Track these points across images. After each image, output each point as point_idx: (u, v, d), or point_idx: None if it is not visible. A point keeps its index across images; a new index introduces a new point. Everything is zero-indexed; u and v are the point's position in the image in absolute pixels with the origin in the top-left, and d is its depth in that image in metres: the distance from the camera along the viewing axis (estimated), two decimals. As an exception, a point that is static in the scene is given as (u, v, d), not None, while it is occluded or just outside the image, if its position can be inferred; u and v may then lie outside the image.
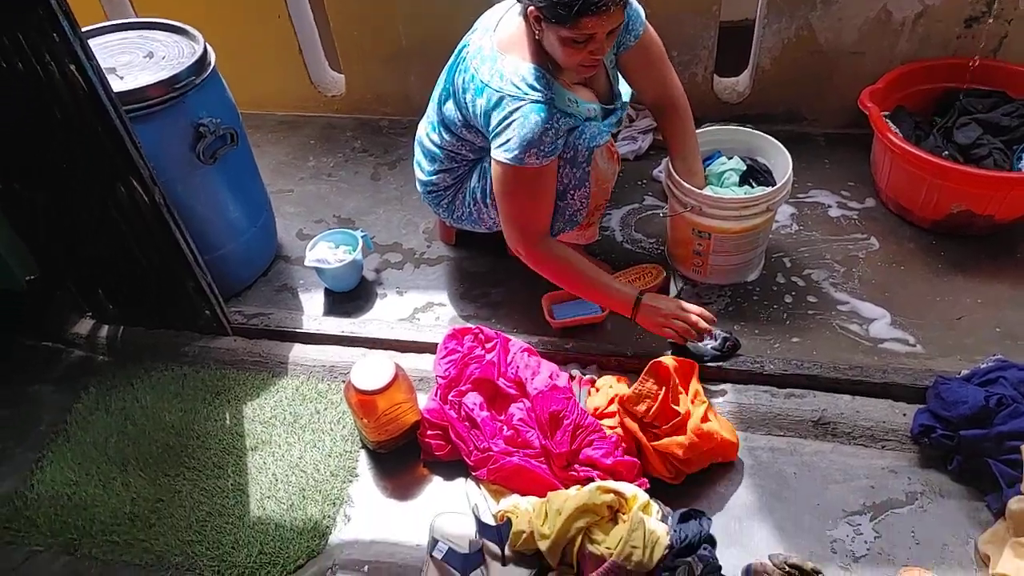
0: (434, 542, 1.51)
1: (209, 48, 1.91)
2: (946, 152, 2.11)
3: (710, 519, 1.54)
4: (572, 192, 1.77)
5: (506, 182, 1.66)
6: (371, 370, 1.65)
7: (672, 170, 1.93)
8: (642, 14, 1.76)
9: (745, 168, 1.98)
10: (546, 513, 1.49)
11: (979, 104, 2.19)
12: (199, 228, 1.93)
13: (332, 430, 1.81)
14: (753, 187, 1.95)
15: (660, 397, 1.63)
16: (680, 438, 1.60)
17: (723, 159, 2.01)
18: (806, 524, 1.56)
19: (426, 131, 1.95)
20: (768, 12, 2.30)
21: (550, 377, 1.74)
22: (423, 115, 2.00)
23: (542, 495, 1.56)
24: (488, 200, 1.87)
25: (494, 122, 1.62)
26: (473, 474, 1.68)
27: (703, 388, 1.75)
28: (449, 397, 1.76)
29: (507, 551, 1.50)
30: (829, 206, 2.27)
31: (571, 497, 1.50)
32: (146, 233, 1.82)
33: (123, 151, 1.66)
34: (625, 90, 1.88)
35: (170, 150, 1.83)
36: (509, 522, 1.51)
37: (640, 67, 1.83)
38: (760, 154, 2.02)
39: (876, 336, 1.89)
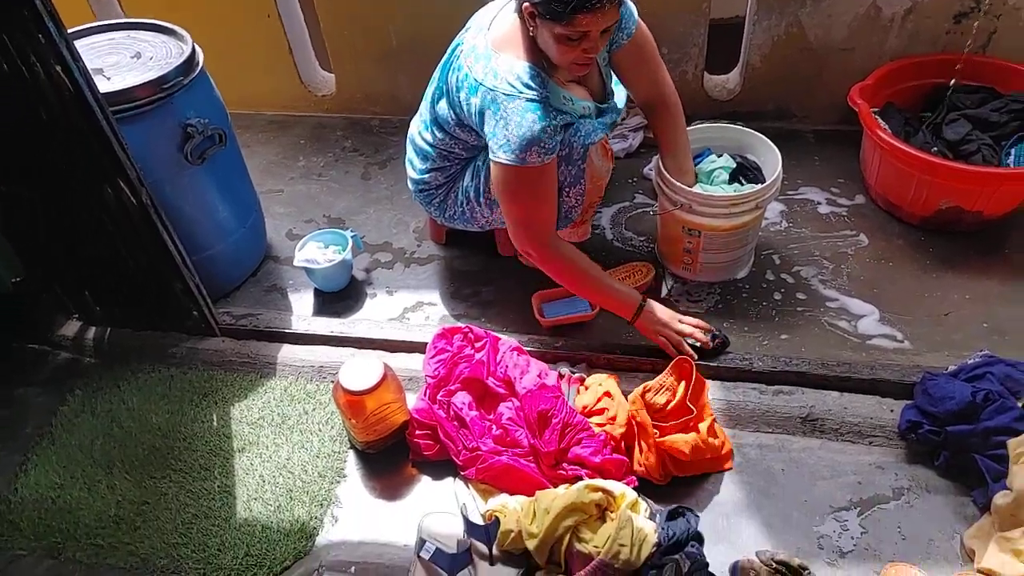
0: (422, 542, 1.50)
1: (197, 48, 1.91)
2: (935, 148, 2.11)
3: (698, 516, 1.54)
4: (567, 189, 1.77)
5: (509, 183, 1.66)
6: (359, 370, 1.64)
7: (662, 168, 1.93)
8: (635, 12, 1.76)
9: (735, 165, 1.98)
10: (534, 512, 1.49)
11: (968, 100, 2.19)
12: (187, 229, 1.92)
13: (320, 431, 1.81)
14: (743, 184, 1.95)
15: (679, 394, 1.66)
16: (689, 436, 1.61)
17: (713, 157, 2.01)
18: (794, 520, 1.57)
19: (418, 129, 1.95)
20: (758, 9, 2.30)
21: (539, 376, 1.74)
22: (414, 114, 1.99)
23: (530, 494, 1.56)
24: (482, 199, 1.87)
25: (490, 121, 1.62)
26: (461, 474, 1.68)
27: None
28: (438, 397, 1.76)
29: (495, 550, 1.50)
30: (818, 203, 2.27)
31: (559, 496, 1.50)
32: (133, 234, 1.81)
33: (110, 152, 1.66)
34: (621, 93, 1.88)
35: (158, 151, 1.82)
36: (497, 521, 1.51)
37: (633, 65, 1.83)
38: (750, 151, 2.02)
39: (864, 332, 1.89)
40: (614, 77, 1.86)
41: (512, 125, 1.58)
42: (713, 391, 1.78)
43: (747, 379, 1.79)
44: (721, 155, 2.01)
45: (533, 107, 1.57)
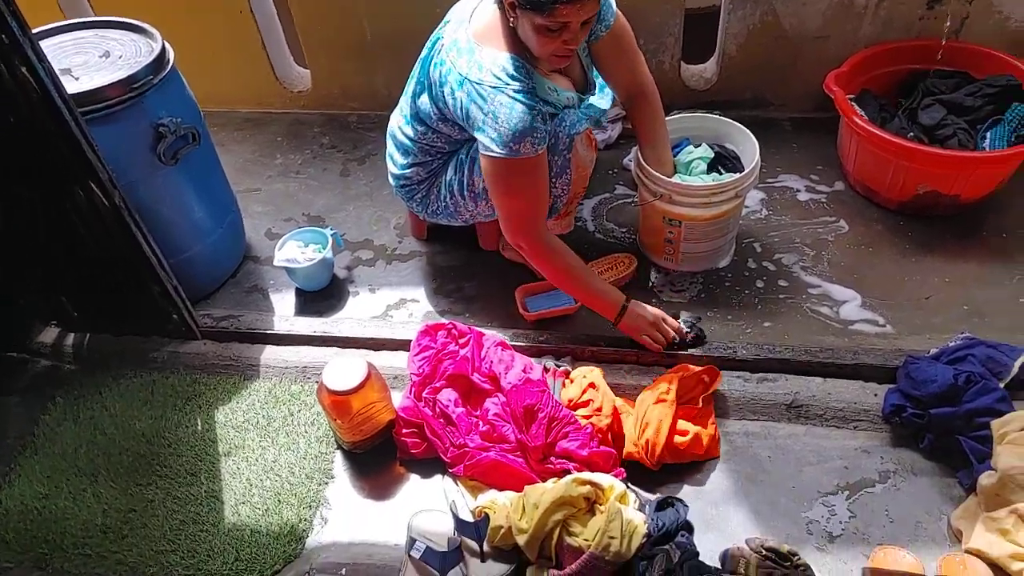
0: (412, 541, 1.50)
1: (167, 46, 1.87)
2: (911, 134, 2.13)
3: (687, 506, 1.54)
4: (554, 180, 1.78)
5: (502, 176, 1.65)
6: (343, 370, 1.63)
7: (641, 159, 1.92)
8: (613, 3, 1.75)
9: (713, 155, 1.98)
10: (523, 507, 1.49)
11: (943, 85, 2.21)
12: (163, 231, 1.89)
13: (306, 432, 1.79)
14: (722, 174, 1.95)
15: (704, 393, 1.72)
16: (707, 430, 1.67)
17: (691, 147, 2.01)
18: (782, 506, 1.58)
19: (398, 124, 1.93)
20: (733, -2, 2.30)
21: (524, 371, 1.74)
22: (393, 109, 1.97)
23: (519, 489, 1.56)
24: (466, 193, 1.85)
25: (478, 116, 1.60)
26: (450, 471, 1.67)
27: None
28: (423, 394, 1.75)
29: (486, 547, 1.50)
30: (798, 190, 2.28)
31: (548, 490, 1.50)
32: (107, 237, 1.78)
33: (80, 154, 1.62)
34: (607, 95, 1.87)
35: (130, 152, 1.79)
36: (487, 518, 1.50)
37: (611, 56, 1.82)
38: (728, 140, 2.03)
39: (846, 318, 1.91)
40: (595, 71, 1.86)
41: (502, 118, 1.57)
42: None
43: (731, 367, 1.80)
44: (699, 145, 2.01)
45: (521, 98, 1.57)
